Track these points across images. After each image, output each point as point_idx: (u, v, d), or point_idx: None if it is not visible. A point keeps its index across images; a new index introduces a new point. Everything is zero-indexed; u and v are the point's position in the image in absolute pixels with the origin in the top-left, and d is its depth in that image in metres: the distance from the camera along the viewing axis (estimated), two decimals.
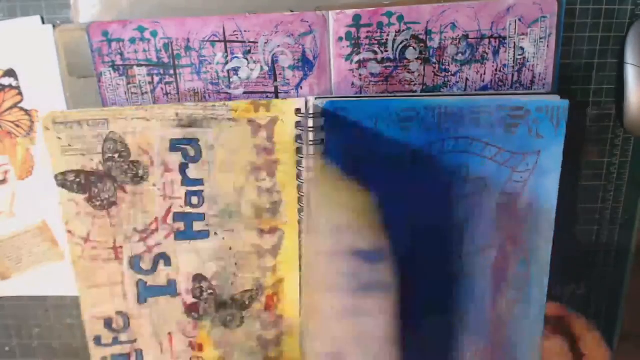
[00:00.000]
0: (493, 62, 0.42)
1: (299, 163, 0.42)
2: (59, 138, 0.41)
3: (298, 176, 0.42)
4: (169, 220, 0.43)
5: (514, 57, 0.42)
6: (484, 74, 0.42)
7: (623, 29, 0.43)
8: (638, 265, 0.49)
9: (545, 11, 0.41)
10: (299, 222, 0.43)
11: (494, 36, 0.41)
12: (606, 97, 0.45)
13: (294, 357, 0.47)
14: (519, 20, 0.41)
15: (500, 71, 0.42)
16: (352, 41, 0.41)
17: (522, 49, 0.41)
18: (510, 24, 0.41)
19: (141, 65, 0.41)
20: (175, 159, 0.42)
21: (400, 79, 0.42)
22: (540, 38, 0.41)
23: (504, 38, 0.41)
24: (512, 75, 0.42)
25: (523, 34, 0.41)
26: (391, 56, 0.42)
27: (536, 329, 0.45)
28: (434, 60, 0.42)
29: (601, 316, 0.50)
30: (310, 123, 0.39)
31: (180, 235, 0.44)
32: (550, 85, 0.42)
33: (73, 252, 0.43)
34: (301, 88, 0.42)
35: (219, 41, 0.41)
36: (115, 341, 0.46)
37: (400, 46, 0.41)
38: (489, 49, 0.41)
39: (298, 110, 0.41)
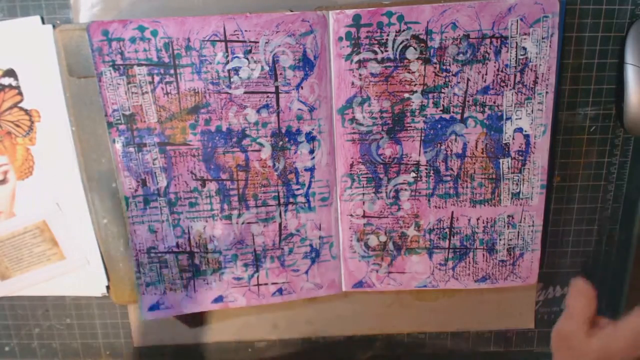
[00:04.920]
0: (495, 62, 0.42)
1: None
2: None
3: None
4: None
5: (516, 57, 0.42)
6: (486, 74, 0.42)
7: (623, 29, 0.43)
8: (638, 265, 0.49)
9: (547, 10, 0.40)
10: None
11: (495, 36, 0.41)
12: (606, 97, 0.45)
13: None
14: (521, 19, 0.41)
15: (502, 71, 0.42)
16: (352, 41, 0.41)
17: (524, 48, 0.41)
18: (512, 24, 0.41)
19: (141, 65, 0.41)
20: None
21: (400, 79, 0.42)
22: (543, 38, 0.41)
23: (506, 38, 0.41)
24: (515, 76, 0.42)
25: (525, 34, 0.41)
26: (391, 56, 0.42)
27: None
28: (435, 60, 0.42)
29: (601, 316, 0.50)
30: None
31: None
32: (553, 85, 0.42)
33: None
34: (302, 88, 0.42)
35: (220, 41, 0.41)
36: None
37: (401, 46, 0.41)
38: (490, 48, 0.41)
39: None
